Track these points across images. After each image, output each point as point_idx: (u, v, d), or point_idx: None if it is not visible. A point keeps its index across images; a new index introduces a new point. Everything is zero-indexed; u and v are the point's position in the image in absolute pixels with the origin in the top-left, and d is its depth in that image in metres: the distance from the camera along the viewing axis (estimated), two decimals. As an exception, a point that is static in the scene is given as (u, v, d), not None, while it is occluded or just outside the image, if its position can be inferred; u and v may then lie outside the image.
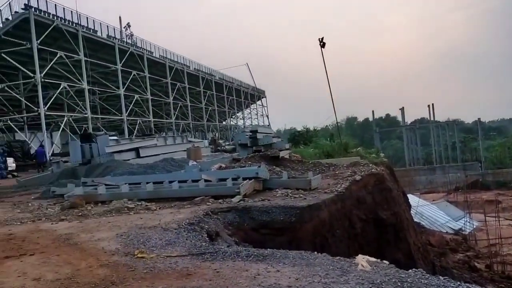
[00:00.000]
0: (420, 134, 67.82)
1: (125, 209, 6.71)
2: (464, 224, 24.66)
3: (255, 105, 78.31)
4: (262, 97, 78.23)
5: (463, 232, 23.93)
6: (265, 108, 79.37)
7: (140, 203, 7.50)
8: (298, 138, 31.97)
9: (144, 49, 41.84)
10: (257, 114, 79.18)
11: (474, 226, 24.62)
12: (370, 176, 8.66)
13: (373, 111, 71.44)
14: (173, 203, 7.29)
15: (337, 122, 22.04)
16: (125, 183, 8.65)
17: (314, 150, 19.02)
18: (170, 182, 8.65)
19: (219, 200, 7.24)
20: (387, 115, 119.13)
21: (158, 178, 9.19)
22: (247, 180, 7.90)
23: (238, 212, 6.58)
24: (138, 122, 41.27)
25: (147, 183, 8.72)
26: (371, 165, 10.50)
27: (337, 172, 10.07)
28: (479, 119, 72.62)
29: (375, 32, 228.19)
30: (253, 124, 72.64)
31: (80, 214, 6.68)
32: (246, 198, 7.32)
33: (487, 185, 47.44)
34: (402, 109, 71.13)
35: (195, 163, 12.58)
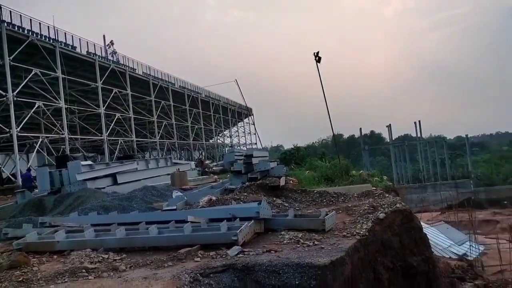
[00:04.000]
0: (406, 150, 66.99)
1: (83, 270, 4.94)
2: (469, 248, 23.22)
3: (242, 123, 76.91)
4: (250, 115, 76.89)
5: (468, 258, 22.46)
6: (253, 126, 77.94)
7: (106, 256, 5.75)
8: (289, 158, 30.33)
9: (127, 65, 40.12)
10: (244, 132, 77.68)
11: (480, 251, 23.22)
12: (395, 214, 7.07)
13: (360, 129, 70.70)
14: (149, 258, 5.56)
15: (334, 140, 20.51)
16: (91, 226, 6.88)
17: (310, 172, 17.42)
18: (148, 223, 6.93)
19: (211, 253, 5.54)
20: (372, 131, 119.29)
21: (133, 218, 7.44)
22: (246, 223, 6.21)
23: (237, 273, 4.90)
24: (119, 142, 39.28)
25: (119, 223, 6.97)
26: (387, 195, 8.96)
27: (349, 205, 8.45)
28: (466, 135, 72.16)
29: (359, 50, 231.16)
30: (240, 142, 71.17)
31: (21, 278, 4.90)
32: (246, 249, 5.62)
33: (480, 204, 46.49)
34: (389, 126, 70.53)
35: (180, 194, 10.87)
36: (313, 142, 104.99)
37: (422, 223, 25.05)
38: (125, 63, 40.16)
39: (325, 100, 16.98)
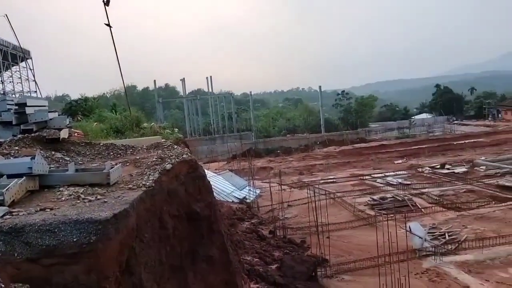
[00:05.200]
0: (199, 104, 70.21)
1: None
2: (248, 192, 26.27)
3: (17, 67, 66.30)
4: (27, 58, 66.79)
5: (247, 200, 25.46)
6: (32, 71, 68.15)
7: None
8: (75, 108, 27.95)
9: None
10: (20, 78, 67.38)
11: (257, 194, 26.53)
12: (182, 164, 7.31)
13: (154, 81, 70.32)
14: None
15: (126, 92, 19.69)
16: None
17: (98, 124, 16.44)
18: None
19: (-32, 217, 4.69)
20: (167, 85, 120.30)
21: None
22: (15, 180, 5.46)
23: (3, 236, 4.30)
24: None
25: None
26: (176, 147, 9.16)
27: (138, 157, 8.33)
28: (250, 92, 79.97)
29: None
30: (15, 90, 61.80)
31: None
32: (15, 210, 4.96)
33: (259, 153, 52.79)
34: (183, 80, 72.15)
35: None
36: (104, 93, 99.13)
37: (209, 172, 27.01)
38: None
39: (114, 47, 15.96)
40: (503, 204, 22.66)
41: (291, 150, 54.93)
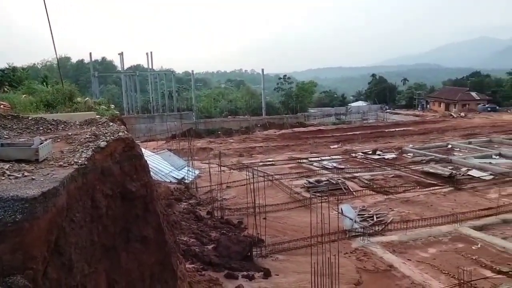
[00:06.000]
0: (138, 81, 67.87)
1: None
2: (187, 172, 26.04)
3: None
4: None
5: (185, 181, 25.26)
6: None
7: None
8: (1, 79, 25.91)
9: None
10: None
11: (196, 174, 26.36)
12: (117, 142, 7.07)
13: (90, 53, 66.38)
14: None
15: (58, 63, 18.52)
16: None
17: (28, 97, 15.40)
18: None
19: None
20: (104, 58, 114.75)
21: None
22: None
23: None
24: None
25: None
26: (111, 124, 8.84)
27: (70, 133, 7.96)
28: (192, 71, 78.50)
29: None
30: None
31: None
32: None
33: (199, 133, 52.34)
34: (121, 54, 69.24)
35: None
36: (35, 64, 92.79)
37: (147, 151, 26.43)
38: None
39: (46, 13, 14.86)
40: (426, 189, 24.37)
41: (232, 131, 55.02)
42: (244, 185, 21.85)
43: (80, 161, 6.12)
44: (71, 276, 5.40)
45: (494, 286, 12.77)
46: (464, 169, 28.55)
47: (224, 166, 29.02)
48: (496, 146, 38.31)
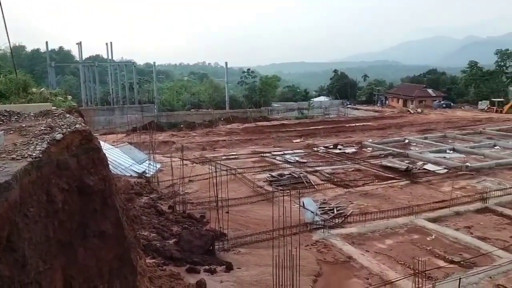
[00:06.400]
0: (97, 72, 65.90)
1: None
2: (148, 166, 25.59)
3: None
4: None
5: (146, 175, 24.83)
6: None
7: None
8: None
9: None
10: None
11: (157, 168, 25.96)
12: (74, 134, 6.83)
13: (47, 42, 63.93)
14: None
15: (11, 51, 17.67)
16: None
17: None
18: None
19: None
20: (61, 48, 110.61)
21: None
22: None
23: None
24: None
25: None
26: (68, 116, 8.53)
27: (24, 124, 7.63)
28: (154, 63, 77.10)
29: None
30: None
31: None
32: None
33: (161, 126, 51.54)
34: (79, 44, 67.02)
35: None
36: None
37: (106, 144, 25.77)
38: None
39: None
40: (384, 182, 25.14)
41: (195, 125, 54.53)
42: (207, 179, 21.73)
43: (34, 154, 5.89)
44: (25, 273, 5.21)
45: (447, 275, 13.37)
46: (420, 163, 29.65)
47: (186, 159, 28.75)
48: (450, 141, 40.02)
